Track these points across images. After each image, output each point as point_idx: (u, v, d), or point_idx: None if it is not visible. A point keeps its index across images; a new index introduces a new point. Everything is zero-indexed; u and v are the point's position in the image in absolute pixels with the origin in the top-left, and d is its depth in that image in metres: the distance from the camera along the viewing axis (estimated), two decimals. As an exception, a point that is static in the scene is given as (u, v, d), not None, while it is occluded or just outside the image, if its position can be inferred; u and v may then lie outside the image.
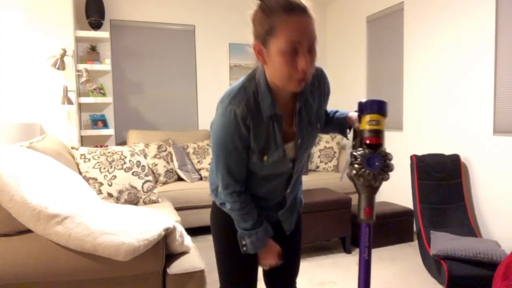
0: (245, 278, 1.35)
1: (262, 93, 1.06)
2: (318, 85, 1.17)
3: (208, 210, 3.53)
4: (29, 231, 1.31)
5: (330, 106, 5.09)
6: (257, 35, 1.00)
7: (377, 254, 3.02)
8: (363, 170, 1.03)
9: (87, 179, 2.53)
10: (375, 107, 1.06)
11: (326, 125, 1.31)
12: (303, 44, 0.95)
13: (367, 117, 1.06)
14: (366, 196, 1.07)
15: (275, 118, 1.09)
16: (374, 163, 1.03)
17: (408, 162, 3.52)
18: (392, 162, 1.01)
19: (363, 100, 1.10)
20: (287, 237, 1.38)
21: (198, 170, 3.80)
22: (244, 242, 1.23)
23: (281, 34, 0.94)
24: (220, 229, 1.32)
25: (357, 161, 1.04)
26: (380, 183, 1.05)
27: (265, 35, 0.97)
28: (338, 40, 4.73)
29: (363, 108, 1.09)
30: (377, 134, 1.04)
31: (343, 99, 4.70)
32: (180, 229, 1.52)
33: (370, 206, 1.06)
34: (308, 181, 3.81)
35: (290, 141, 1.16)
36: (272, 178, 1.21)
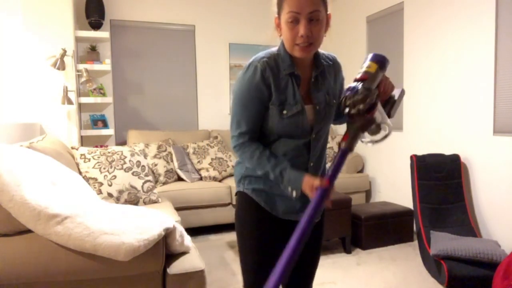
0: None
1: (282, 56, 1.23)
2: (333, 66, 1.33)
3: (209, 210, 3.53)
4: (29, 231, 1.30)
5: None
6: (276, 11, 1.21)
7: (377, 254, 3.02)
8: (343, 97, 1.13)
9: (87, 179, 2.53)
10: (369, 57, 1.19)
11: (337, 116, 1.40)
12: (302, 14, 1.12)
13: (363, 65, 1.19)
14: (348, 125, 1.16)
15: (294, 77, 1.23)
16: (348, 90, 1.13)
17: (408, 162, 3.52)
18: (370, 96, 1.13)
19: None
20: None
21: (198, 170, 3.80)
22: (285, 185, 1.22)
23: (286, 7, 1.15)
24: (244, 224, 1.32)
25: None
26: (356, 109, 1.10)
27: (279, 10, 1.19)
28: (338, 40, 4.72)
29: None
30: (366, 74, 1.14)
31: (343, 99, 4.69)
32: (180, 229, 1.52)
33: (347, 133, 1.13)
34: (308, 181, 3.81)
35: (308, 104, 1.26)
36: (290, 139, 1.25)
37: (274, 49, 1.27)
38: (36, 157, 1.56)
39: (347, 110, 1.11)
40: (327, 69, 1.30)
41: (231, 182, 3.66)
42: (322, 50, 1.31)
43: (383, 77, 1.19)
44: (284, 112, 1.21)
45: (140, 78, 4.29)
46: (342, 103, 1.13)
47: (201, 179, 3.77)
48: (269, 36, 1.27)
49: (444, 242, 2.49)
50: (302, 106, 1.23)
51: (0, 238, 1.30)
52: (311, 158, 1.29)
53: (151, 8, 4.27)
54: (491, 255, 2.34)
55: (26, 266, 1.26)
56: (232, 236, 3.50)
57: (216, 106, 4.58)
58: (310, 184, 1.15)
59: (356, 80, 1.15)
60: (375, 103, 1.13)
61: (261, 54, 1.25)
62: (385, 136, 1.17)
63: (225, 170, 3.85)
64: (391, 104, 1.25)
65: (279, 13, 1.20)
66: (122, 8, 4.17)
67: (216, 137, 4.10)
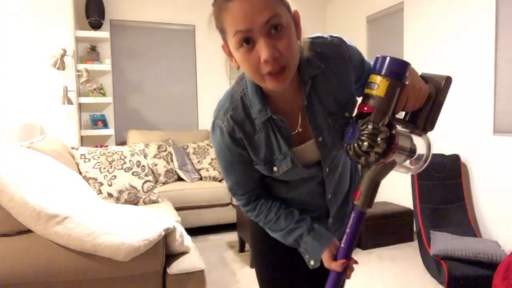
0: None
1: (250, 97, 0.91)
2: (333, 60, 0.92)
3: (208, 210, 3.53)
4: (29, 231, 1.30)
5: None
6: (221, 36, 0.89)
7: (377, 254, 3.02)
8: (343, 143, 0.90)
9: (87, 179, 2.53)
10: (376, 65, 0.86)
11: None
12: (255, 29, 0.76)
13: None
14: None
15: (273, 122, 0.91)
16: (347, 133, 0.88)
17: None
18: (378, 139, 0.83)
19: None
20: None
21: (198, 170, 3.80)
22: (302, 252, 1.00)
23: (228, 29, 0.81)
24: (257, 237, 1.14)
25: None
26: (363, 161, 0.85)
27: (222, 34, 0.86)
28: (338, 40, 4.72)
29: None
30: (368, 100, 0.84)
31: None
32: (180, 229, 1.52)
33: (359, 188, 0.89)
34: (308, 181, 3.81)
35: (307, 141, 0.95)
36: (298, 184, 1.02)
37: (240, 82, 0.94)
38: (36, 157, 1.56)
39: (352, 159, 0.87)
40: (321, 77, 0.91)
41: (231, 182, 3.66)
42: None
43: (406, 87, 0.84)
44: (275, 169, 0.95)
45: (140, 78, 4.28)
46: (344, 150, 0.90)
47: (201, 179, 3.77)
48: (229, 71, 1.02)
49: (444, 242, 2.49)
50: (292, 162, 0.94)
51: (0, 238, 1.30)
52: (327, 191, 1.04)
53: (151, 8, 4.27)
54: (491, 255, 2.34)
55: (26, 266, 1.26)
56: (232, 236, 3.50)
57: (216, 106, 4.58)
58: (329, 259, 0.94)
59: (357, 115, 0.88)
60: (391, 136, 0.82)
61: (223, 101, 0.95)
62: (423, 165, 0.91)
63: (225, 170, 3.85)
64: (425, 114, 0.89)
65: (224, 39, 0.87)
66: (122, 8, 4.17)
67: (216, 137, 4.10)
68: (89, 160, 2.60)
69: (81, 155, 2.62)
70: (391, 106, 0.83)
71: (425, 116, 0.89)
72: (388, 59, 0.83)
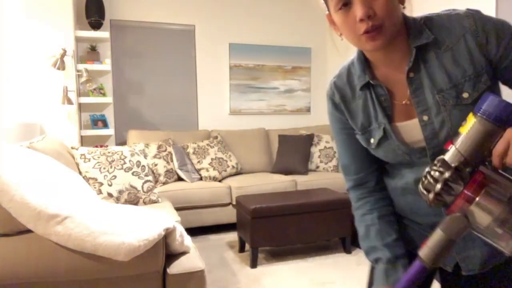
0: None
1: (355, 64, 0.92)
2: (447, 31, 0.83)
3: (209, 210, 3.52)
4: (29, 231, 1.30)
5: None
6: (324, 5, 0.88)
7: (377, 254, 3.02)
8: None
9: (87, 179, 2.53)
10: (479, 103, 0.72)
11: None
12: None
13: None
14: None
15: (372, 88, 0.88)
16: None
17: None
18: (439, 179, 0.68)
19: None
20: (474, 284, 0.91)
21: (198, 170, 3.80)
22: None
23: None
24: None
25: None
26: (428, 200, 0.72)
27: (326, 4, 0.86)
28: (338, 40, 4.72)
29: None
30: (453, 137, 0.73)
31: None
32: (180, 229, 1.52)
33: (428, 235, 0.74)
34: (308, 181, 3.81)
35: (409, 118, 0.86)
36: (401, 170, 0.92)
37: (351, 57, 0.96)
38: (36, 157, 1.56)
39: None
40: (433, 49, 0.82)
41: (231, 182, 3.66)
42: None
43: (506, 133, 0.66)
44: (372, 141, 0.90)
45: (140, 78, 4.29)
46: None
47: (201, 179, 3.77)
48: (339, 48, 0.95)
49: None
50: (384, 131, 0.87)
51: (0, 238, 1.30)
52: None
53: (151, 8, 4.27)
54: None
55: (26, 266, 1.26)
56: (232, 236, 3.50)
57: (216, 106, 4.58)
58: None
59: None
60: (459, 179, 0.68)
61: (337, 71, 0.98)
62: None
63: (225, 170, 3.85)
64: None
65: (327, 5, 0.86)
66: (122, 8, 4.17)
67: (216, 137, 4.10)
68: (89, 160, 2.60)
69: (81, 155, 2.62)
70: (470, 148, 0.69)
71: None
72: (488, 97, 0.69)
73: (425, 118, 0.83)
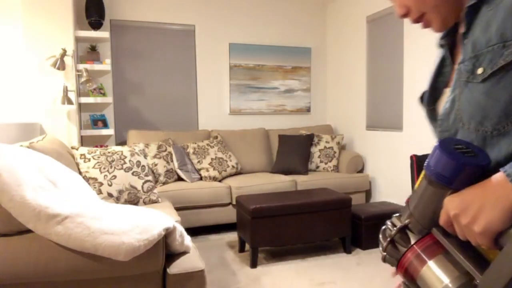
0: None
1: None
2: None
3: (208, 210, 3.52)
4: (29, 231, 1.30)
5: (330, 106, 5.10)
6: None
7: (377, 254, 3.02)
8: None
9: (87, 179, 2.53)
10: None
11: None
12: None
13: None
14: None
15: (442, 49, 0.79)
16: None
17: (408, 162, 3.52)
18: (381, 238, 0.67)
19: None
20: None
21: (198, 170, 3.80)
22: None
23: None
24: None
25: None
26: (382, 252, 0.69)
27: None
28: (338, 40, 4.72)
29: None
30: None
31: (343, 99, 4.70)
32: (180, 229, 1.52)
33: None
34: (308, 181, 3.81)
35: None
36: None
37: None
38: (36, 157, 1.56)
39: None
40: (485, 3, 0.63)
41: (231, 182, 3.66)
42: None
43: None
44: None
45: (140, 78, 4.29)
46: None
47: (201, 179, 3.77)
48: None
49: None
50: (422, 96, 0.86)
51: (0, 238, 1.30)
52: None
53: (151, 8, 4.27)
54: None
55: (26, 266, 1.26)
56: (232, 236, 3.50)
57: (216, 106, 4.58)
58: None
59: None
60: (399, 242, 0.63)
61: None
62: None
63: (225, 170, 3.85)
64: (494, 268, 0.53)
65: None
66: (122, 8, 4.17)
67: (216, 137, 4.10)
68: (89, 160, 2.60)
69: (81, 155, 2.62)
70: (419, 207, 0.63)
71: (491, 272, 0.53)
72: (435, 151, 0.60)
73: (447, 91, 0.71)
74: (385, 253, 0.67)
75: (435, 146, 0.60)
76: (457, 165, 0.56)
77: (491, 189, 0.54)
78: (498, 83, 0.59)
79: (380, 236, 0.67)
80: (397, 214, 0.67)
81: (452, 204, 0.57)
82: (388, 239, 0.64)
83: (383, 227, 0.67)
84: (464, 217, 0.56)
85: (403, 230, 0.64)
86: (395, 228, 0.64)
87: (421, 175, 0.64)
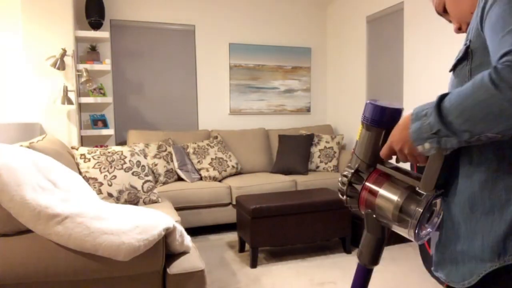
0: None
1: None
2: None
3: (208, 210, 3.52)
4: (29, 231, 1.31)
5: (330, 106, 5.10)
6: None
7: (377, 254, 3.02)
8: None
9: (87, 179, 2.53)
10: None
11: None
12: None
13: None
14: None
15: None
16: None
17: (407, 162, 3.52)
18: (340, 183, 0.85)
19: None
20: None
21: (198, 170, 3.80)
22: None
23: None
24: None
25: None
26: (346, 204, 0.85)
27: None
28: (338, 40, 4.72)
29: None
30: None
31: (343, 99, 4.69)
32: (180, 229, 1.52)
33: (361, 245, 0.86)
34: (308, 181, 3.81)
35: None
36: None
37: None
38: (36, 157, 1.56)
39: None
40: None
41: (231, 182, 3.66)
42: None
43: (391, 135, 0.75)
44: None
45: (140, 78, 4.29)
46: None
47: (201, 179, 3.77)
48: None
49: (444, 242, 2.49)
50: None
51: (0, 238, 1.30)
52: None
53: (151, 8, 4.27)
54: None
55: (26, 266, 1.26)
56: (232, 236, 3.50)
57: (216, 106, 4.58)
58: None
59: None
60: (355, 182, 0.80)
61: None
62: (410, 229, 0.73)
63: (225, 170, 3.85)
64: (427, 172, 0.75)
65: None
66: (122, 8, 4.17)
67: (216, 137, 4.10)
68: (89, 160, 2.60)
69: (81, 155, 2.62)
70: (363, 151, 0.83)
71: (425, 175, 0.75)
72: (366, 104, 0.83)
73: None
74: (346, 197, 0.83)
75: (366, 103, 0.82)
76: (381, 109, 0.79)
77: (404, 124, 0.73)
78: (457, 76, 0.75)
79: (339, 184, 0.84)
80: (348, 165, 0.85)
81: (394, 139, 0.75)
82: (347, 182, 0.81)
83: (339, 179, 0.85)
84: (406, 148, 0.75)
85: (356, 172, 0.82)
86: (348, 175, 0.82)
87: (359, 129, 0.83)
